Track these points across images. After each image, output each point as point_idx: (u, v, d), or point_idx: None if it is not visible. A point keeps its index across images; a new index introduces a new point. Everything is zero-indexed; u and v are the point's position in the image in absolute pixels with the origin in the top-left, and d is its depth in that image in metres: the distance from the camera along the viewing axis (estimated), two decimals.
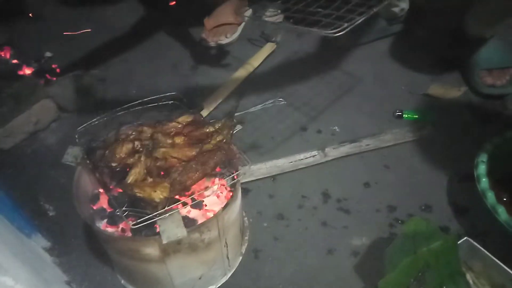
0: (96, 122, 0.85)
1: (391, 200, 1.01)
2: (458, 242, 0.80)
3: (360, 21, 0.86)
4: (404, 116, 1.20)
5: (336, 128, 1.20)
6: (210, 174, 0.78)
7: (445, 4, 1.36)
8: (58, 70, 1.39)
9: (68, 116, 1.29)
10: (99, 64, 1.46)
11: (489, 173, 0.92)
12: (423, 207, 0.99)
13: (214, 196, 0.85)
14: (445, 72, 1.35)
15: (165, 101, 0.90)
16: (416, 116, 1.20)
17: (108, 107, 0.84)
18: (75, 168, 0.82)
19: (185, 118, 0.85)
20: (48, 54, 1.46)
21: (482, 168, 0.92)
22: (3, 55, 1.39)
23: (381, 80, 1.35)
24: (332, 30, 0.84)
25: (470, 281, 0.81)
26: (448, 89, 1.28)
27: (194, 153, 0.77)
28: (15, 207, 0.91)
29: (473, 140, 1.04)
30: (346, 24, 0.84)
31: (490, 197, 0.88)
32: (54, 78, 1.35)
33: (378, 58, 1.43)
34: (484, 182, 0.90)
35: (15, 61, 1.37)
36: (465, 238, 0.82)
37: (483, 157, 0.94)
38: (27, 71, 1.35)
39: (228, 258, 0.85)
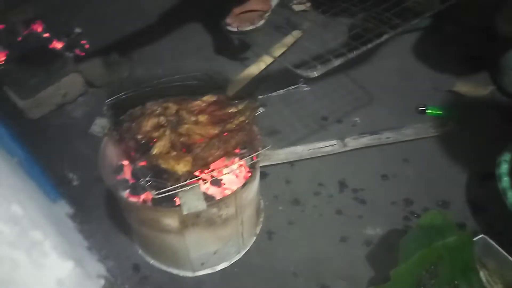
0: (124, 97, 0.88)
1: (408, 193, 1.01)
2: (474, 239, 0.80)
3: (335, 65, 0.91)
4: (427, 111, 1.19)
5: (357, 119, 1.20)
6: (230, 153, 0.80)
7: (478, 1, 1.33)
8: (87, 46, 1.43)
9: (95, 91, 1.33)
10: (127, 43, 1.48)
11: (511, 173, 0.90)
12: (440, 203, 0.98)
13: (233, 176, 0.87)
14: (472, 70, 1.32)
15: (191, 80, 0.92)
16: (440, 112, 1.18)
17: (134, 85, 0.87)
18: (100, 139, 0.85)
19: (209, 98, 0.86)
20: (77, 30, 1.50)
21: (504, 167, 0.91)
22: (35, 29, 1.43)
23: (406, 74, 1.33)
24: (304, 71, 0.89)
25: (483, 279, 0.81)
26: (475, 87, 1.26)
27: (216, 131, 0.79)
28: (43, 173, 0.95)
29: (497, 139, 1.02)
30: (319, 66, 0.89)
31: (511, 196, 0.87)
32: (83, 54, 1.38)
33: (404, 52, 1.41)
34: (505, 182, 0.89)
35: (46, 35, 1.41)
36: (481, 235, 0.82)
37: (506, 157, 0.93)
38: (58, 45, 1.39)
39: (243, 236, 0.87)
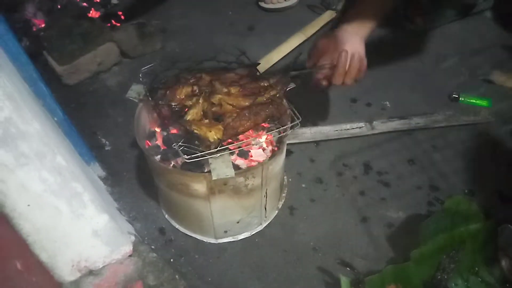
0: (159, 66, 0.90)
1: (434, 180, 1.00)
2: (498, 228, 0.79)
3: None
4: (460, 99, 1.16)
5: (387, 103, 1.19)
6: (260, 126, 0.81)
7: None
8: (123, 17, 1.45)
9: (128, 61, 1.36)
10: (161, 16, 1.51)
11: None
12: (466, 191, 0.97)
13: (259, 149, 0.88)
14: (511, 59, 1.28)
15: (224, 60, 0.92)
16: (473, 101, 1.16)
17: (166, 58, 0.89)
18: (134, 106, 0.87)
19: (241, 71, 0.88)
20: (114, 1, 1.53)
21: None
22: None
23: (442, 60, 1.30)
24: None
25: (505, 268, 0.80)
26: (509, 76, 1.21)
27: (247, 103, 0.80)
28: (78, 136, 0.99)
29: None
30: None
31: None
32: (119, 24, 1.41)
33: (443, 37, 1.37)
34: None
35: (84, 4, 1.45)
36: (506, 225, 0.81)
37: None
38: (95, 14, 1.42)
39: (265, 209, 0.89)
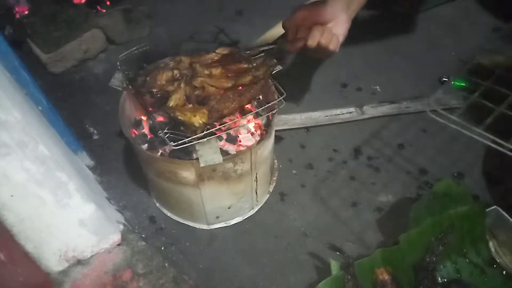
0: (136, 52, 0.87)
1: (423, 163, 1.00)
2: (487, 210, 0.80)
3: None
4: (450, 83, 1.16)
5: (378, 87, 1.18)
6: (245, 108, 0.80)
7: None
8: (108, 2, 1.42)
9: (115, 48, 1.33)
10: (147, 1, 1.47)
11: None
12: (455, 174, 0.98)
13: (248, 134, 0.87)
14: (502, 41, 1.27)
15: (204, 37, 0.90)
16: (463, 84, 1.15)
17: (153, 43, 0.86)
18: (119, 95, 0.86)
19: (221, 50, 0.85)
20: None
21: None
22: None
23: (432, 44, 1.29)
24: None
25: (492, 249, 0.81)
26: (503, 59, 1.21)
27: (230, 84, 0.78)
28: (64, 125, 0.97)
29: None
30: None
31: None
32: (104, 10, 1.38)
33: (433, 21, 1.36)
34: None
35: None
36: (494, 207, 0.81)
37: None
38: (80, 0, 1.38)
39: (256, 193, 0.89)
